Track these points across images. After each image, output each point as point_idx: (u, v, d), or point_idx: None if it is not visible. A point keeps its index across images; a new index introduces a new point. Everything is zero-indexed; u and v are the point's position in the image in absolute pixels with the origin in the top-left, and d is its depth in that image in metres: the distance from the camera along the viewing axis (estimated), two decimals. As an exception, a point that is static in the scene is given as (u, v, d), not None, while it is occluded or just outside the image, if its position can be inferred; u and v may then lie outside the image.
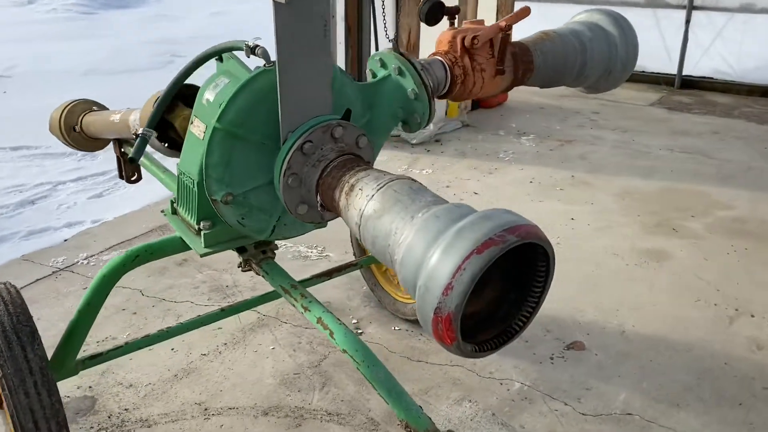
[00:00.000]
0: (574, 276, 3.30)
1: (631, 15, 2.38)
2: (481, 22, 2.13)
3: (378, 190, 1.51)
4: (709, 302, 3.06)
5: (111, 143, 2.94)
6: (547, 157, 5.05)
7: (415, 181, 1.54)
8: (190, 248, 2.06)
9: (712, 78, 7.17)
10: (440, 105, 5.57)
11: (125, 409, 2.38)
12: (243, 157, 1.71)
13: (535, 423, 2.30)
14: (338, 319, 1.87)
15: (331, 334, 1.85)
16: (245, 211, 1.79)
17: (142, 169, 2.99)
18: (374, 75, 1.99)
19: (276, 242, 2.23)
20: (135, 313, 2.97)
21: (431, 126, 5.39)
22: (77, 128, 3.01)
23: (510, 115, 6.05)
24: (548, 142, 5.41)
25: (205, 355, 2.68)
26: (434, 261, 1.28)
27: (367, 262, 2.79)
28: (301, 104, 1.65)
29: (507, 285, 1.48)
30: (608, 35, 2.30)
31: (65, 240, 3.72)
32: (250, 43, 1.68)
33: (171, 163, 2.26)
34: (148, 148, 2.02)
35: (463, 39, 2.01)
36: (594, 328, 2.88)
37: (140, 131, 1.86)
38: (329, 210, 1.67)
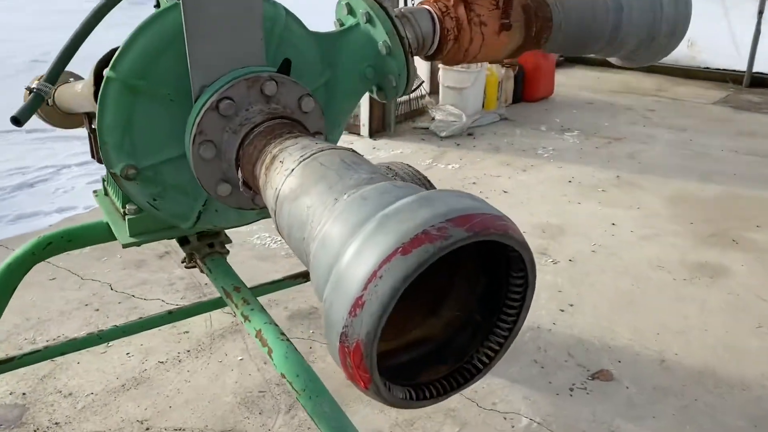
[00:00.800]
0: (609, 290, 2.80)
1: (696, 3, 1.97)
2: (484, -35, 1.68)
3: (300, 162, 1.10)
4: (774, 330, 2.52)
5: None
6: (591, 155, 4.52)
7: (356, 153, 1.11)
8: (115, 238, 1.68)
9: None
10: (477, 96, 5.10)
11: (55, 423, 2.02)
12: (148, 118, 1.32)
13: (540, 473, 1.84)
14: (283, 334, 1.48)
15: (270, 352, 1.46)
16: (158, 191, 1.41)
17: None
18: (341, 24, 1.58)
19: (227, 234, 1.85)
20: (98, 309, 2.63)
21: (464, 117, 4.92)
22: (50, 102, 2.70)
23: (554, 110, 5.53)
24: (594, 139, 4.87)
25: (162, 362, 2.31)
26: (345, 263, 0.86)
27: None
28: (220, 49, 1.25)
29: (469, 301, 1.05)
30: (651, -12, 1.82)
31: (50, 225, 3.44)
32: (162, -27, 1.29)
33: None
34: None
35: (457, -18, 1.58)
36: (627, 355, 2.38)
37: (34, 84, 1.50)
38: (255, 191, 1.27)
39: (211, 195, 1.31)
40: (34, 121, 1.60)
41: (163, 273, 2.87)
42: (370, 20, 1.48)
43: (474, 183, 4.01)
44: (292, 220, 1.05)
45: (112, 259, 3.02)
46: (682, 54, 6.75)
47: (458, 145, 4.72)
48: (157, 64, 1.28)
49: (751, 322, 2.57)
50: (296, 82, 1.28)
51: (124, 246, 1.61)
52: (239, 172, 1.26)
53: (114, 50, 1.33)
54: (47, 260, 2.95)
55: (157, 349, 2.38)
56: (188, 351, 2.37)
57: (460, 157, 4.48)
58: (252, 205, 1.35)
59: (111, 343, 2.39)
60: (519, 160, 4.42)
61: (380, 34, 1.47)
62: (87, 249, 3.07)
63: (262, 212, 1.55)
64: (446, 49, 1.62)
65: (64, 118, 2.76)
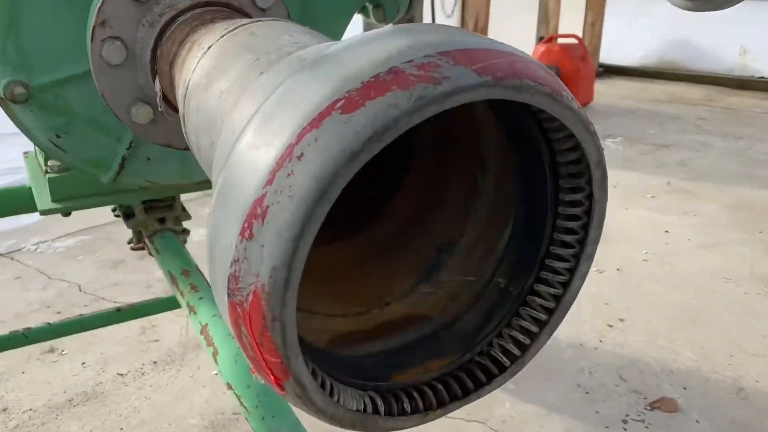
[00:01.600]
0: (665, 304, 2.33)
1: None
2: None
3: (222, 36, 0.70)
4: None
5: None
6: (636, 162, 4.05)
7: (300, 26, 0.72)
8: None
9: None
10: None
11: (-22, 445, 1.64)
12: (43, 12, 0.95)
13: None
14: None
15: (215, 353, 1.07)
16: (62, 123, 1.03)
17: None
18: None
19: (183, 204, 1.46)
20: (60, 312, 2.25)
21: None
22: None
23: (594, 117, 5.07)
24: (639, 146, 4.40)
25: (122, 375, 1.91)
26: (242, 145, 0.45)
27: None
28: None
29: (487, 252, 0.64)
30: None
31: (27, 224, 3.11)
32: None
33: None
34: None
35: None
36: (694, 381, 1.91)
37: None
38: (173, 108, 0.88)
39: (123, 122, 0.93)
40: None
41: (140, 274, 2.48)
42: None
43: (504, 187, 3.58)
44: (200, 120, 0.65)
45: (89, 257, 2.65)
46: (733, 62, 6.26)
47: (488, 150, 4.29)
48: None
49: None
50: (247, -40, 0.89)
51: (42, 213, 1.23)
52: (156, 81, 0.88)
53: None
54: (14, 258, 2.62)
55: (118, 359, 1.98)
56: (155, 362, 1.97)
57: (489, 162, 4.05)
58: (186, 140, 0.96)
59: (65, 351, 2.01)
60: (555, 165, 3.97)
61: None
62: (62, 247, 2.72)
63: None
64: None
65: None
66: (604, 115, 5.21)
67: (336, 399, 0.48)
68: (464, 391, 0.55)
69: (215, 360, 1.08)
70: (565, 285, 0.56)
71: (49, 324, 1.55)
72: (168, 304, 1.67)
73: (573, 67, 5.23)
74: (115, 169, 1.10)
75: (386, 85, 0.40)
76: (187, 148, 0.97)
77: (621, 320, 2.22)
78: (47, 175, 1.20)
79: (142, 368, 1.94)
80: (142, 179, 1.14)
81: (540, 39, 5.77)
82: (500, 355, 0.57)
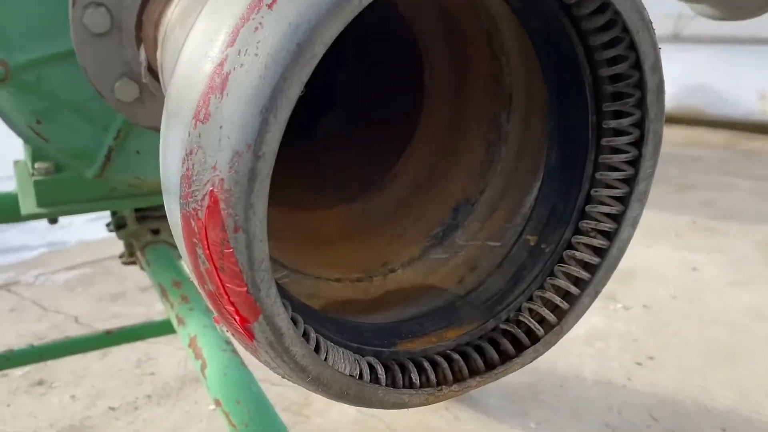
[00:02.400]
0: (697, 341, 2.17)
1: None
2: None
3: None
4: None
5: None
6: (659, 202, 3.92)
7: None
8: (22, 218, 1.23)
9: None
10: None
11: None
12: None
13: None
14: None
15: (203, 367, 0.96)
16: (43, 108, 0.95)
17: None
18: None
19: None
20: (54, 344, 2.13)
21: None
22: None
23: (612, 162, 4.98)
24: (661, 186, 4.27)
25: (113, 409, 1.78)
26: (198, 23, 0.34)
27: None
28: None
29: (514, 198, 0.53)
30: None
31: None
32: None
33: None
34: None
35: None
36: (733, 421, 1.74)
37: None
38: (157, 81, 0.80)
39: (106, 99, 0.84)
40: None
41: (140, 307, 2.37)
42: None
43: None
44: (173, 61, 0.56)
45: (87, 290, 2.55)
46: (752, 107, 6.17)
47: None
48: None
49: None
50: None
51: (25, 217, 1.15)
52: (141, 49, 0.80)
53: None
54: (11, 290, 2.52)
55: (111, 391, 1.86)
56: (149, 396, 1.84)
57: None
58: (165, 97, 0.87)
59: (55, 384, 1.89)
60: (574, 205, 3.85)
61: None
62: (61, 280, 2.63)
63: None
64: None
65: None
66: (622, 158, 5.10)
67: (324, 357, 0.37)
68: (487, 365, 0.43)
69: (203, 374, 0.97)
70: (612, 234, 0.45)
71: (33, 346, 1.44)
72: (162, 328, 1.56)
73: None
74: (101, 161, 1.01)
75: None
76: None
77: (650, 358, 2.06)
78: (33, 178, 1.12)
79: (135, 402, 1.81)
80: (130, 175, 1.05)
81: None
82: (532, 322, 0.45)
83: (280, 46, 0.29)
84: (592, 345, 2.12)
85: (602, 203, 0.46)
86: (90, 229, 3.66)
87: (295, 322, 0.35)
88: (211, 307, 0.36)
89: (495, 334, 0.45)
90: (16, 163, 1.40)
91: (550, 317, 0.45)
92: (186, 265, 0.36)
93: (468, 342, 0.44)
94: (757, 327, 2.28)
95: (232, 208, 0.30)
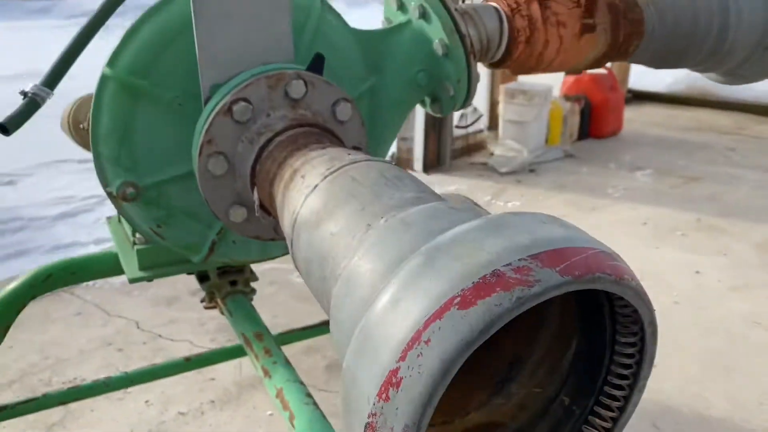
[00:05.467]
0: (698, 350, 2.40)
1: None
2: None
3: (325, 177, 0.82)
4: None
5: None
6: (666, 196, 4.12)
7: (399, 168, 0.84)
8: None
9: None
10: (540, 131, 4.79)
11: (56, 482, 1.78)
12: (151, 125, 1.09)
13: None
14: (309, 396, 1.20)
15: (291, 417, 1.18)
16: (163, 215, 1.16)
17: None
18: (389, 22, 1.33)
19: (252, 268, 1.59)
20: (121, 349, 2.40)
21: (525, 153, 4.61)
22: (85, 125, 2.54)
23: (623, 147, 5.15)
24: (669, 178, 4.46)
25: (183, 414, 2.05)
26: (375, 316, 0.58)
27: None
28: (238, 42, 1.01)
29: (554, 373, 0.76)
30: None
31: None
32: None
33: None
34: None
35: (531, -25, 1.31)
36: (723, 430, 1.99)
37: (29, 88, 1.29)
38: (275, 216, 1.01)
39: (222, 221, 1.06)
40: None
41: (193, 312, 2.63)
42: (424, 15, 1.22)
43: (537, 223, 3.68)
44: (311, 253, 0.78)
45: (143, 293, 2.81)
46: (762, 90, 6.28)
47: (519, 181, 4.39)
48: (161, 60, 1.05)
49: None
50: (330, 83, 1.02)
51: (131, 281, 1.37)
52: (255, 191, 1.01)
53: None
54: (74, 293, 2.78)
55: (178, 397, 2.12)
56: (212, 402, 2.11)
57: (521, 194, 4.15)
58: (273, 234, 1.09)
59: (129, 390, 2.16)
60: (587, 199, 4.06)
61: (436, 31, 1.20)
62: (117, 282, 2.89)
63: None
64: (516, 53, 1.34)
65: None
66: (633, 145, 5.28)
67: None
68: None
69: (292, 424, 1.20)
70: (621, 409, 0.68)
71: (126, 373, 1.69)
72: (232, 353, 1.80)
73: (602, 97, 5.31)
74: (206, 251, 1.23)
75: (492, 287, 0.52)
76: (272, 239, 1.11)
77: (653, 366, 2.30)
78: (135, 247, 1.34)
79: (201, 407, 2.08)
80: (227, 258, 1.28)
81: (569, 69, 5.84)
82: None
83: (434, 371, 0.51)
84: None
85: (615, 387, 0.68)
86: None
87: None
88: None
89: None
90: (110, 220, 1.62)
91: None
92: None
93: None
94: (753, 334, 2.51)
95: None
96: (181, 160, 1.11)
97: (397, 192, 0.75)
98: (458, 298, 0.52)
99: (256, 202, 1.00)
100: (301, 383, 1.24)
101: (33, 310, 2.60)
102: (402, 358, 0.53)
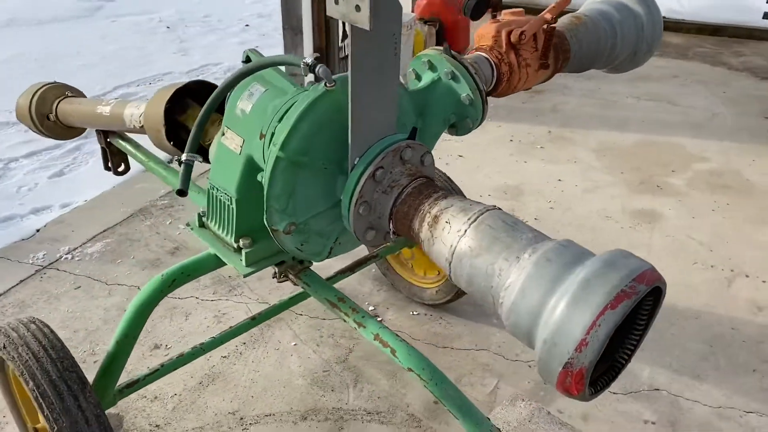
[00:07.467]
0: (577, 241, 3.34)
1: None
2: (521, 12, 2.03)
3: (470, 225, 1.44)
4: (706, 264, 3.18)
5: (87, 131, 2.86)
6: (520, 111, 5.02)
7: (503, 211, 1.48)
8: (225, 264, 1.94)
9: (664, 17, 7.23)
10: (407, 56, 5.41)
11: (156, 426, 2.29)
12: (306, 185, 1.60)
13: (570, 405, 2.36)
14: (397, 336, 1.82)
15: (393, 352, 1.81)
16: (305, 238, 1.70)
17: (130, 158, 2.79)
18: (417, 76, 1.89)
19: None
20: (139, 313, 2.81)
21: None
22: (52, 117, 2.77)
23: (473, 63, 5.97)
24: (518, 94, 5.36)
25: (225, 357, 2.59)
26: (560, 314, 1.24)
27: (386, 253, 2.72)
28: (370, 127, 1.55)
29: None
30: (636, 16, 2.26)
31: (37, 230, 3.46)
32: (309, 60, 1.54)
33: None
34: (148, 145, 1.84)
35: (509, 34, 1.92)
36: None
37: (183, 158, 1.71)
38: (407, 237, 1.60)
39: (359, 240, 1.63)
40: None
41: (186, 270, 3.06)
42: (454, 77, 1.80)
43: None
44: (474, 272, 1.41)
45: (126, 260, 3.16)
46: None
47: (400, 108, 5.05)
48: (315, 142, 1.55)
49: (688, 259, 3.22)
50: (421, 144, 1.61)
51: (245, 275, 1.88)
52: (391, 224, 1.59)
53: (182, 87, 1.65)
54: (60, 269, 3.07)
55: (215, 345, 2.64)
56: (244, 343, 2.66)
57: (407, 122, 4.82)
58: (383, 243, 1.70)
59: (168, 345, 2.63)
60: (459, 120, 4.84)
61: (464, 89, 1.80)
62: (95, 253, 3.20)
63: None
64: (500, 88, 1.98)
65: (64, 131, 2.88)
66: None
67: (587, 392, 1.32)
68: (612, 377, 1.41)
69: (395, 356, 1.83)
70: (643, 331, 1.42)
71: (213, 337, 2.19)
72: (283, 306, 2.35)
73: (453, 18, 6.00)
74: (326, 254, 1.79)
75: (622, 298, 1.21)
76: (380, 245, 1.70)
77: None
78: (243, 250, 1.85)
79: (237, 349, 2.63)
80: (334, 255, 1.85)
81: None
82: (620, 359, 1.42)
83: (601, 341, 1.20)
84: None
85: (636, 332, 1.42)
86: (55, 186, 4.04)
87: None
88: (555, 385, 1.29)
89: (612, 367, 1.42)
90: (191, 227, 2.05)
91: (626, 358, 1.42)
92: (545, 377, 1.27)
93: (604, 372, 1.41)
94: (607, 226, 3.50)
95: (587, 374, 1.23)
96: (321, 202, 1.65)
97: (521, 234, 1.40)
98: (609, 305, 1.20)
99: (391, 231, 1.60)
100: (387, 328, 1.87)
101: (29, 292, 2.90)
102: (587, 333, 1.21)
